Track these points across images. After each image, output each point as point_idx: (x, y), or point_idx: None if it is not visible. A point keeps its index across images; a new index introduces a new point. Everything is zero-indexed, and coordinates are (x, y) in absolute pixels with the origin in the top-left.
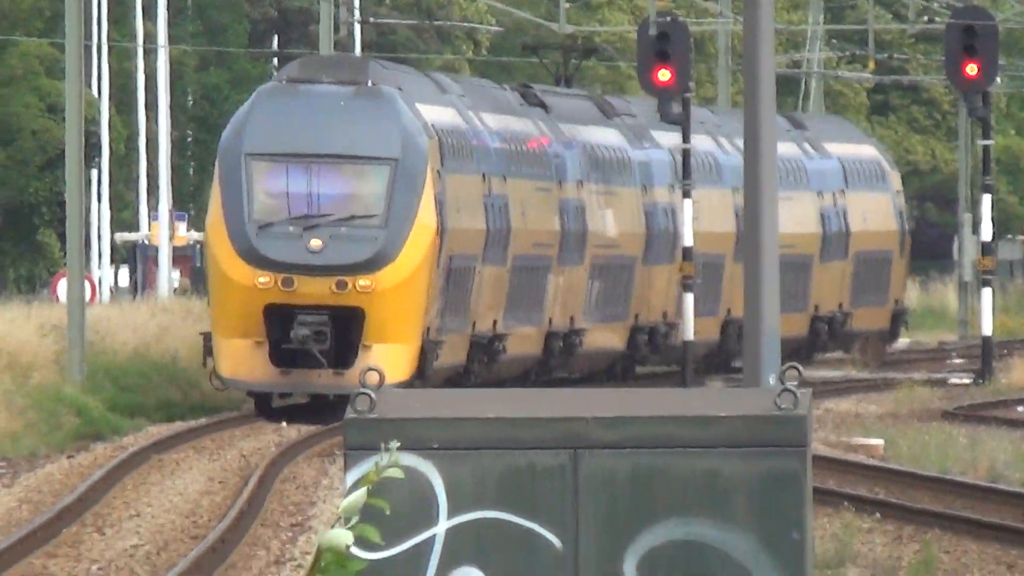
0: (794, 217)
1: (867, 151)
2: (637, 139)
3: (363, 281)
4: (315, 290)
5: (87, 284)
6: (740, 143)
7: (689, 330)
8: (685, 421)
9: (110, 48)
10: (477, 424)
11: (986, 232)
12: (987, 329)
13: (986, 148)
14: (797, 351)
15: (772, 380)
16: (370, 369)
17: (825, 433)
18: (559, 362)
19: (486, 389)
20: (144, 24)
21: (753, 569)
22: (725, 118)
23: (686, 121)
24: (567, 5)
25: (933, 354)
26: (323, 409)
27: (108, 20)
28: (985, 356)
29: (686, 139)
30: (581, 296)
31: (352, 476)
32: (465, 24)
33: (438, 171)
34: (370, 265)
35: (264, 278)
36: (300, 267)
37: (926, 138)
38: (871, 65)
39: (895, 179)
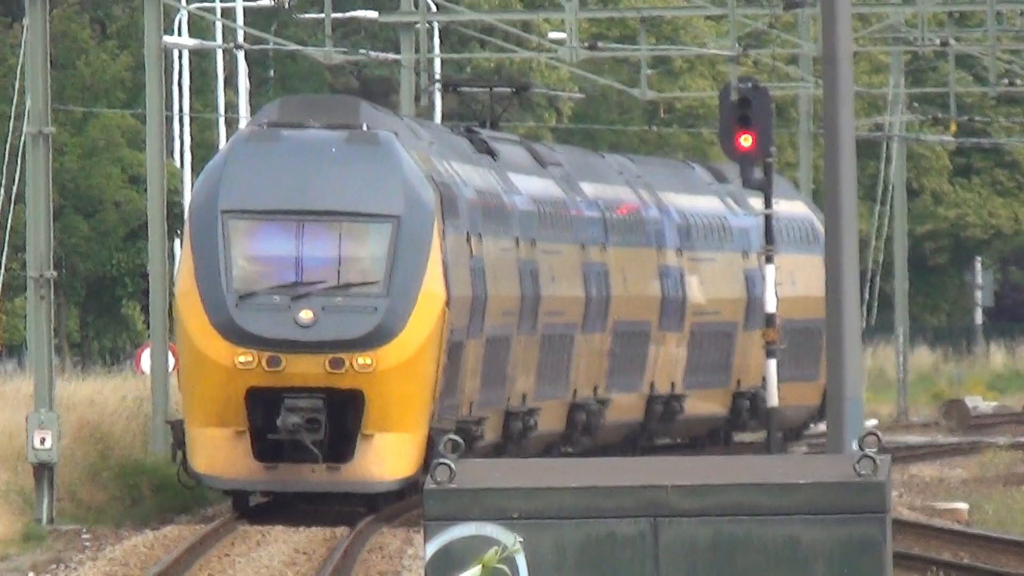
0: (716, 281)
1: (799, 208)
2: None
3: (362, 359)
4: (306, 370)
5: (171, 356)
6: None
7: (773, 397)
8: (765, 488)
9: (192, 118)
10: (557, 494)
11: None
12: None
13: None
14: (715, 431)
15: (855, 446)
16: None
17: (910, 498)
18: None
19: (565, 459)
20: (225, 94)
21: None
22: (646, 167)
23: (768, 187)
24: (649, 72)
25: (1018, 417)
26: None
27: (190, 90)
28: None
29: (768, 204)
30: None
31: (432, 547)
32: (546, 91)
33: (470, 232)
34: (370, 340)
35: (245, 357)
36: (288, 343)
37: (1009, 201)
38: (953, 128)
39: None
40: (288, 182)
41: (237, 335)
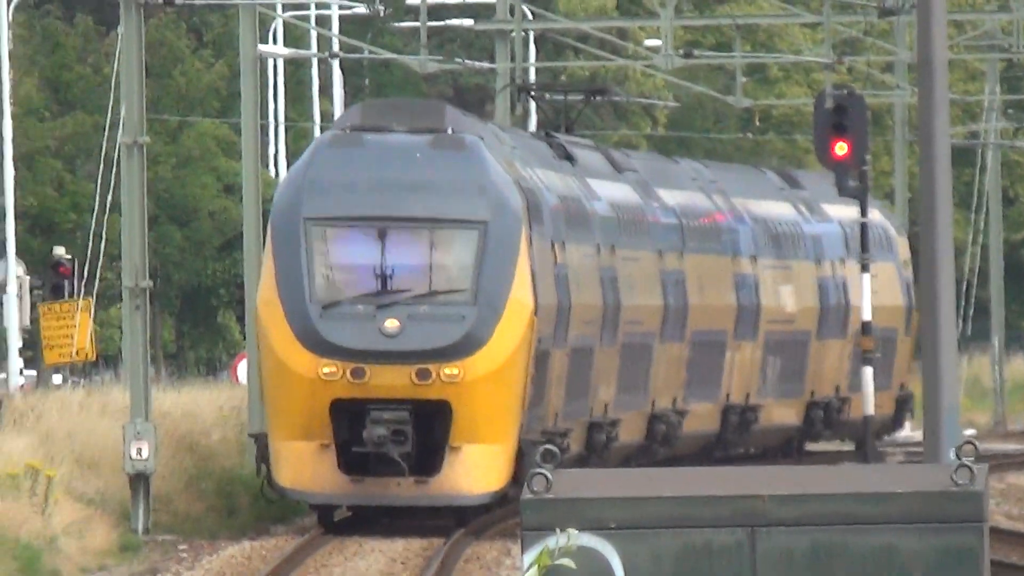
0: (790, 289)
1: (872, 215)
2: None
3: (449, 369)
4: (392, 381)
5: None
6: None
7: (870, 405)
8: (862, 498)
9: (287, 127)
10: (654, 503)
11: None
12: None
13: None
14: (788, 441)
15: (951, 455)
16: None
17: (1007, 506)
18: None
19: (661, 468)
20: (320, 103)
21: None
22: (719, 173)
23: (864, 195)
24: (744, 79)
25: None
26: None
27: (285, 99)
28: None
29: (864, 213)
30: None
31: (529, 557)
32: (643, 100)
33: (554, 238)
34: (458, 350)
35: (330, 368)
36: (373, 354)
37: None
38: None
39: (902, 247)
40: (372, 188)
41: (321, 346)
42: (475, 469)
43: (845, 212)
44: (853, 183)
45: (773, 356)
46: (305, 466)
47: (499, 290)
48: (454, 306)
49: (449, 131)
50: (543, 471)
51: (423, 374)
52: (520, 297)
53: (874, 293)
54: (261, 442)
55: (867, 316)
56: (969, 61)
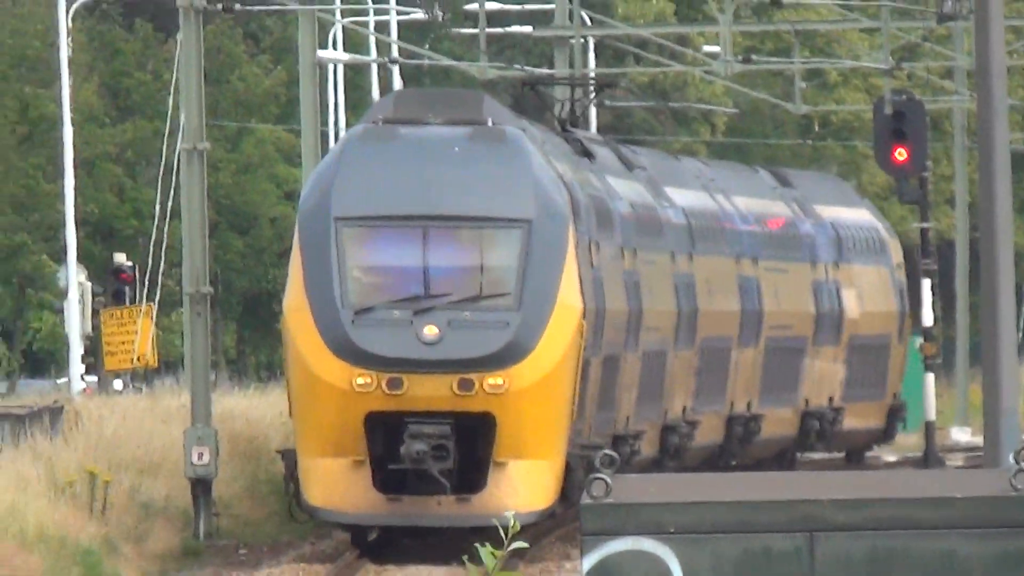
0: (786, 292)
1: (863, 216)
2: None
3: (493, 379)
4: (431, 392)
5: None
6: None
7: (931, 409)
8: (921, 503)
9: None
10: (713, 508)
11: None
12: None
13: None
14: (783, 452)
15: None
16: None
17: None
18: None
19: (720, 473)
20: None
21: None
22: (718, 171)
23: (924, 200)
24: (803, 85)
25: None
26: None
27: (344, 105)
28: None
29: (924, 218)
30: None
31: (588, 562)
32: (702, 106)
33: (591, 239)
34: (502, 359)
35: (364, 378)
36: (411, 363)
37: None
38: None
39: (895, 250)
40: (407, 184)
41: (354, 354)
42: (521, 486)
43: (837, 213)
44: (913, 189)
45: (772, 363)
46: (337, 484)
47: (545, 293)
48: (497, 311)
49: (489, 123)
50: (602, 476)
51: (465, 384)
52: (568, 300)
53: (867, 298)
54: (289, 459)
55: (928, 321)
56: None
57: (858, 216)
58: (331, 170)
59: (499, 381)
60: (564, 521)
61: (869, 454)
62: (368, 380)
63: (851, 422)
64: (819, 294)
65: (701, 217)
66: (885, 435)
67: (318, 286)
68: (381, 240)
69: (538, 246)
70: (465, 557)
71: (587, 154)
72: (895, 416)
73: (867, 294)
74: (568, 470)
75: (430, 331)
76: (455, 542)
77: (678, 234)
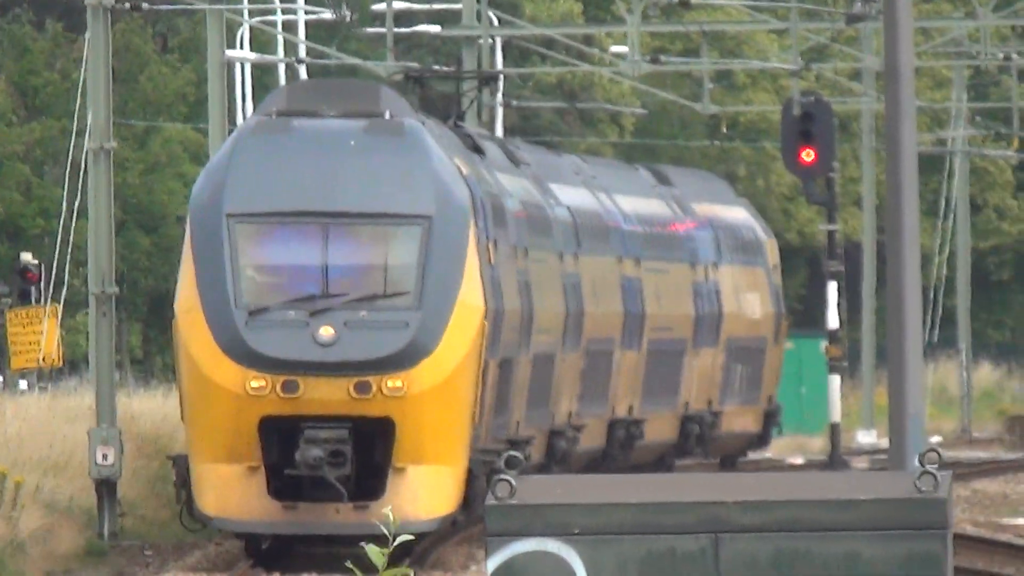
0: (667, 293)
1: (740, 215)
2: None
3: (392, 382)
4: (328, 395)
5: None
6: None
7: (836, 412)
8: (826, 504)
9: None
10: (618, 510)
11: None
12: None
13: None
14: (662, 458)
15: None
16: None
17: (973, 513)
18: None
19: (625, 475)
20: None
21: None
22: (597, 168)
23: (831, 201)
24: (711, 86)
25: None
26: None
27: (252, 104)
28: None
29: (832, 220)
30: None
31: (493, 563)
32: (609, 107)
33: (489, 234)
34: (401, 360)
35: (258, 382)
36: (307, 365)
37: None
38: (1016, 143)
39: (772, 250)
40: (302, 179)
41: (248, 357)
42: (421, 492)
43: (715, 212)
44: (819, 190)
45: (654, 366)
46: (231, 491)
47: (446, 292)
48: (396, 311)
49: (387, 115)
50: (507, 477)
51: (363, 387)
52: (469, 300)
53: (744, 300)
54: (181, 465)
55: (834, 324)
56: (936, 68)
57: (735, 215)
58: (223, 164)
59: (398, 384)
60: (467, 526)
61: (742, 460)
62: (262, 383)
63: (729, 426)
64: (699, 295)
65: (585, 215)
66: (760, 440)
67: (210, 285)
68: (275, 237)
69: (438, 243)
70: (348, 562)
71: (478, 149)
72: (770, 420)
73: (744, 296)
74: (470, 476)
75: (326, 332)
76: (353, 551)
77: (565, 232)
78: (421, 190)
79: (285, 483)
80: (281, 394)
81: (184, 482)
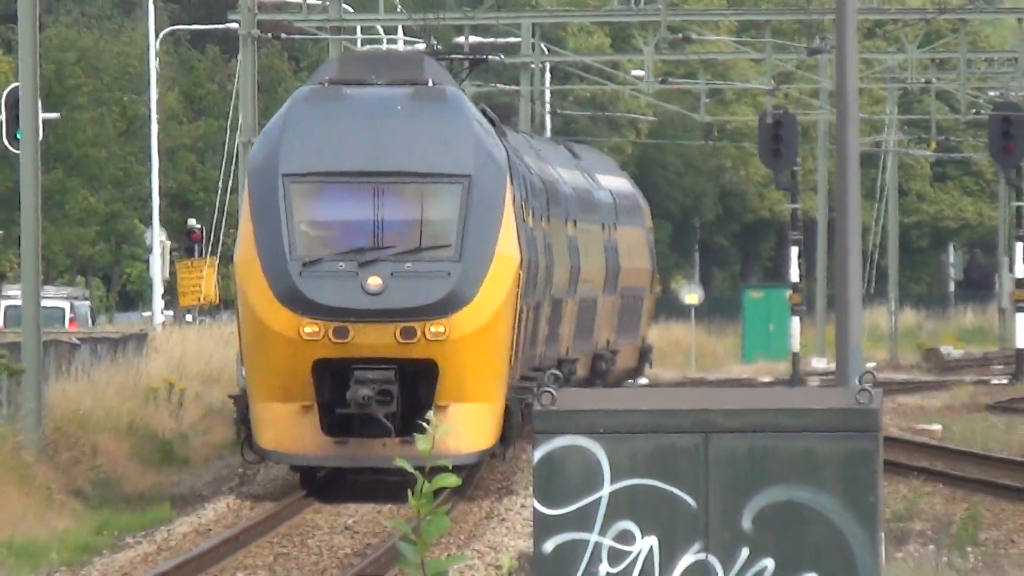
0: (591, 251)
1: (625, 184)
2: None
3: (435, 327)
4: (376, 340)
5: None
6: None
7: (796, 344)
8: (788, 412)
9: None
10: (632, 414)
11: (1019, 270)
12: (1020, 343)
13: (1019, 208)
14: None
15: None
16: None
17: (897, 420)
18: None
19: (640, 388)
20: None
21: (839, 524)
22: (539, 143)
23: (794, 187)
24: (706, 101)
25: (980, 362)
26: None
27: None
28: (1018, 363)
29: (794, 201)
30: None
31: (538, 453)
32: (629, 115)
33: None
34: (443, 307)
35: (311, 328)
36: (356, 312)
37: (975, 200)
38: (933, 145)
39: (646, 215)
40: (351, 142)
41: (302, 305)
42: (462, 428)
43: (610, 181)
44: (786, 178)
45: (581, 314)
46: (287, 428)
47: (484, 245)
48: (439, 262)
49: (430, 83)
50: (550, 389)
51: (408, 333)
52: (505, 252)
53: (632, 255)
54: (241, 403)
55: (795, 278)
56: (874, 89)
57: (622, 184)
58: (278, 129)
59: (440, 329)
60: (506, 460)
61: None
62: (315, 329)
63: (620, 361)
64: (607, 252)
65: (550, 184)
66: (636, 372)
67: (267, 239)
68: (327, 195)
69: (477, 200)
70: (410, 491)
71: (492, 122)
72: (644, 356)
73: (632, 252)
74: (507, 413)
75: (374, 282)
76: (401, 483)
77: (561, 201)
78: (461, 152)
79: (336, 420)
80: (333, 339)
81: (244, 419)
